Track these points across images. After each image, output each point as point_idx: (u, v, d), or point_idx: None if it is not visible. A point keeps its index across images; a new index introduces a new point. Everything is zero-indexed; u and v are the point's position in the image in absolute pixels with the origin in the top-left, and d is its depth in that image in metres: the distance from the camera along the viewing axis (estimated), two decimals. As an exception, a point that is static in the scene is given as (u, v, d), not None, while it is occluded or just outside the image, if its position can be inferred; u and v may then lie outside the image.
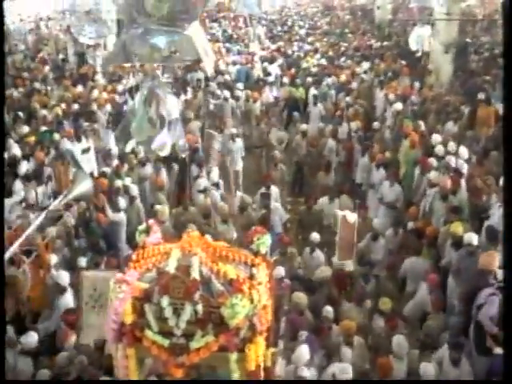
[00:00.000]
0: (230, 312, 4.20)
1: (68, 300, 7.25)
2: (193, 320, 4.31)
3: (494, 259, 6.73)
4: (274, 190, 10.00)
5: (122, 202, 9.49)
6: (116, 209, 9.36)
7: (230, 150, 12.22)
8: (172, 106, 11.12)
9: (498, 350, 6.03)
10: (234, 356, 4.27)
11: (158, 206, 9.29)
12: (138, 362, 4.54)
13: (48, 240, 7.93)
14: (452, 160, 9.52)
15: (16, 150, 10.56)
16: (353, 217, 8.26)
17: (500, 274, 6.58)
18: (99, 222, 8.97)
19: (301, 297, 7.04)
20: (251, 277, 4.62)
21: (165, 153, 10.66)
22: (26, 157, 10.51)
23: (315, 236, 8.36)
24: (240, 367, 4.32)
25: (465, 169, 9.35)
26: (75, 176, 9.62)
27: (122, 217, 9.30)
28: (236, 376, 4.32)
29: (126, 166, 10.80)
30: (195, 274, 4.44)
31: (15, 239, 7.58)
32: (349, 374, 5.85)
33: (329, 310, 6.83)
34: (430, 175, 9.28)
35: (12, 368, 6.07)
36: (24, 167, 10.13)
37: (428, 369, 6.02)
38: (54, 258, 7.76)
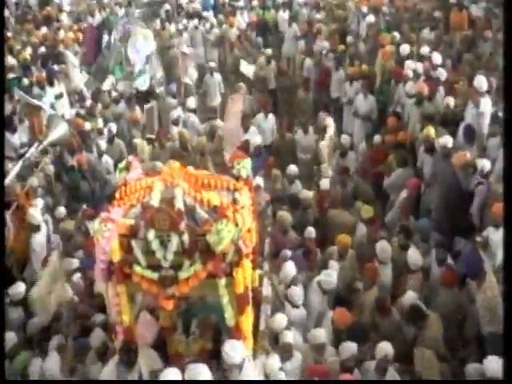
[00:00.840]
0: (216, 238, 4.15)
1: (41, 239, 7.14)
2: (180, 250, 4.26)
3: (465, 157, 6.79)
4: (271, 119, 9.77)
5: (102, 143, 9.20)
6: (95, 151, 9.09)
7: (207, 85, 11.79)
8: (148, 40, 10.73)
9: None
10: (222, 281, 4.26)
11: (137, 141, 9.02)
12: (129, 298, 4.51)
13: (28, 188, 7.70)
14: (426, 66, 9.29)
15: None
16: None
17: (480, 165, 6.71)
18: (80, 165, 8.71)
19: (285, 215, 7.01)
20: (234, 201, 4.56)
21: (145, 87, 10.44)
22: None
23: (293, 169, 8.19)
24: (229, 291, 4.32)
25: (441, 74, 9.12)
26: (50, 121, 9.32)
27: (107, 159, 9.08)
28: (226, 301, 4.33)
29: (99, 106, 10.42)
30: (179, 205, 4.36)
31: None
32: (333, 279, 5.92)
33: (311, 230, 6.81)
34: (406, 86, 9.06)
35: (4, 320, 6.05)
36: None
37: (414, 254, 6.15)
38: (40, 202, 7.58)
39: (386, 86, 9.89)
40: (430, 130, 7.55)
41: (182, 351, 4.74)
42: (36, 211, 7.23)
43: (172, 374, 4.25)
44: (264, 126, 9.58)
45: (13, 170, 7.94)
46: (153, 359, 4.64)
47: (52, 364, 5.26)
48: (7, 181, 7.61)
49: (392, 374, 5.04)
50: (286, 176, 8.19)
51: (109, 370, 4.62)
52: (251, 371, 4.52)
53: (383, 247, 6.34)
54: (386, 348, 5.04)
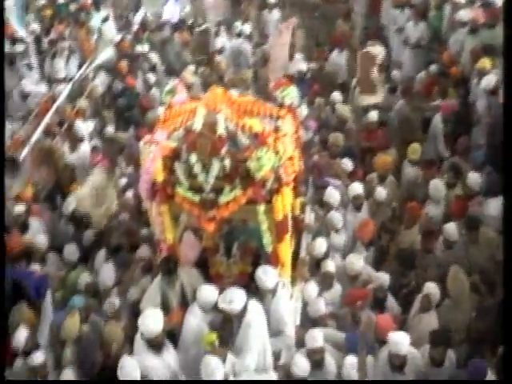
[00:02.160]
0: (256, 165, 4.12)
1: (85, 148, 7.30)
2: (221, 175, 4.26)
3: None
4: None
5: (151, 76, 8.99)
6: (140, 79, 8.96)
7: (265, 21, 10.90)
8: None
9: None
10: (261, 207, 4.25)
11: (183, 73, 8.70)
12: (172, 217, 4.59)
13: (77, 109, 7.77)
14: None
15: (34, 25, 10.02)
16: (377, 49, 7.93)
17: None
18: (130, 86, 8.55)
19: (338, 137, 6.67)
20: (276, 129, 4.46)
21: (175, 20, 10.21)
22: (46, 31, 9.96)
23: (337, 96, 7.73)
24: (268, 218, 4.30)
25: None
26: (97, 44, 9.27)
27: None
28: (265, 227, 4.32)
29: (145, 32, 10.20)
30: (221, 131, 4.31)
31: (46, 112, 7.51)
32: (357, 188, 5.82)
33: (347, 162, 6.50)
34: (459, 14, 8.38)
35: (60, 235, 6.25)
36: (45, 42, 9.65)
37: (473, 176, 5.84)
38: (90, 125, 7.65)
39: (439, 13, 9.21)
40: (485, 62, 7.01)
41: (223, 272, 4.80)
42: (81, 123, 7.38)
43: (209, 291, 4.33)
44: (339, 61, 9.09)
45: (63, 91, 8.04)
46: (195, 278, 4.72)
47: (106, 274, 5.43)
48: (58, 102, 7.72)
49: (432, 316, 4.84)
50: (330, 104, 7.84)
51: (153, 288, 4.71)
52: (285, 297, 4.52)
53: (437, 185, 5.99)
54: (430, 287, 4.86)
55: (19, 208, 6.14)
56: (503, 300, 3.86)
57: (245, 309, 4.16)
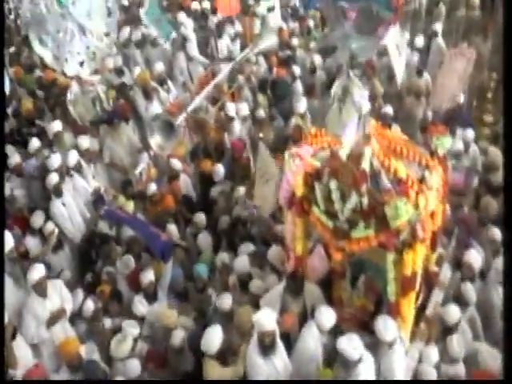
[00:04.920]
0: (393, 213, 4.02)
1: (237, 127, 7.59)
2: (357, 209, 4.20)
3: None
4: None
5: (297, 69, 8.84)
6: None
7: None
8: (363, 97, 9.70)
9: None
10: (391, 256, 4.17)
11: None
12: (304, 231, 4.69)
13: (234, 89, 8.09)
14: None
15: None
16: None
17: None
18: (281, 77, 8.66)
19: (491, 202, 5.89)
20: (422, 180, 4.26)
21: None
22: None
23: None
24: (396, 269, 4.20)
25: None
26: (262, 31, 9.53)
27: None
28: (391, 276, 4.24)
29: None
30: (365, 166, 4.17)
31: (205, 85, 7.97)
32: None
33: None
34: None
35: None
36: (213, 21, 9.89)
37: None
38: (245, 108, 7.82)
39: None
40: None
41: (345, 299, 4.81)
42: (232, 104, 7.68)
43: (329, 314, 4.37)
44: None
45: (224, 70, 8.43)
46: (317, 296, 4.77)
47: (242, 262, 5.46)
48: (217, 80, 8.12)
49: None
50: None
51: (275, 293, 4.81)
52: (400, 354, 4.40)
53: None
54: None
55: (175, 162, 7.02)
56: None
57: (359, 360, 4.11)
